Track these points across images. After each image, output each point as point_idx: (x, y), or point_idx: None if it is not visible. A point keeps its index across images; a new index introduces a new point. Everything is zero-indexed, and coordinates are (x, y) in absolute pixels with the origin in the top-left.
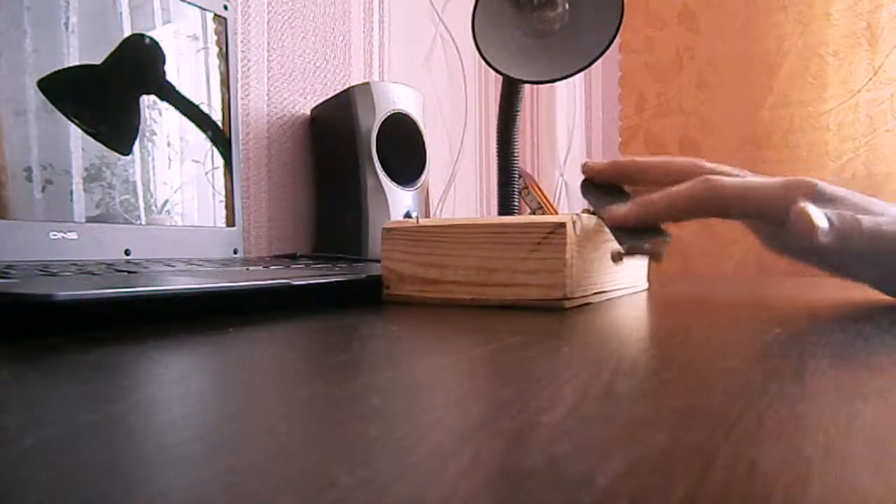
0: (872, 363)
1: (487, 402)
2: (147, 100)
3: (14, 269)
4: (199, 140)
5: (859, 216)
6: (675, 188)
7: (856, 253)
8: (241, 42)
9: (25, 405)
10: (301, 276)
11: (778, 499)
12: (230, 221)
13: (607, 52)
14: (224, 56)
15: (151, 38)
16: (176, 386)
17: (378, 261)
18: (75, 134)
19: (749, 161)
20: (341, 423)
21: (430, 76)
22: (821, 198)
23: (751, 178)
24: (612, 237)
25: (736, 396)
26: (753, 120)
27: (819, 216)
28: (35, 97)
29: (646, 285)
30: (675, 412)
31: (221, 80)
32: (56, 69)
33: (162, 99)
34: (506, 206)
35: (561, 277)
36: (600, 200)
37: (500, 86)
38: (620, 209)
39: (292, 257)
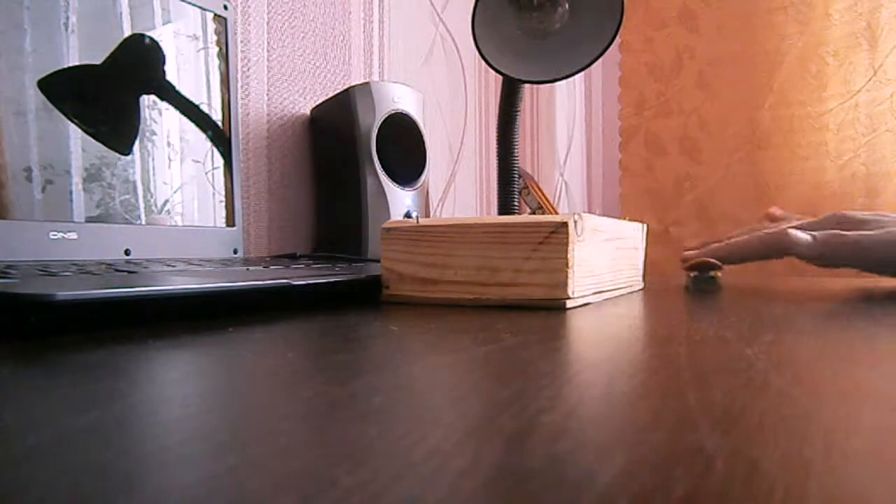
0: (873, 360)
1: (487, 402)
2: (147, 100)
3: (14, 269)
4: (199, 140)
5: (845, 232)
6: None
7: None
8: (241, 42)
9: (25, 405)
10: (301, 276)
11: (778, 499)
12: (230, 221)
13: (607, 52)
14: (224, 56)
15: (151, 38)
16: (176, 386)
17: (378, 261)
18: (75, 134)
19: (749, 161)
20: (341, 422)
21: (430, 76)
22: (849, 223)
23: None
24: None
25: (736, 395)
26: (753, 120)
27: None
28: (35, 97)
29: (642, 285)
30: (675, 412)
31: (221, 80)
32: (56, 69)
33: (162, 99)
34: (506, 206)
35: (563, 277)
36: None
37: (500, 86)
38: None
39: (292, 257)
